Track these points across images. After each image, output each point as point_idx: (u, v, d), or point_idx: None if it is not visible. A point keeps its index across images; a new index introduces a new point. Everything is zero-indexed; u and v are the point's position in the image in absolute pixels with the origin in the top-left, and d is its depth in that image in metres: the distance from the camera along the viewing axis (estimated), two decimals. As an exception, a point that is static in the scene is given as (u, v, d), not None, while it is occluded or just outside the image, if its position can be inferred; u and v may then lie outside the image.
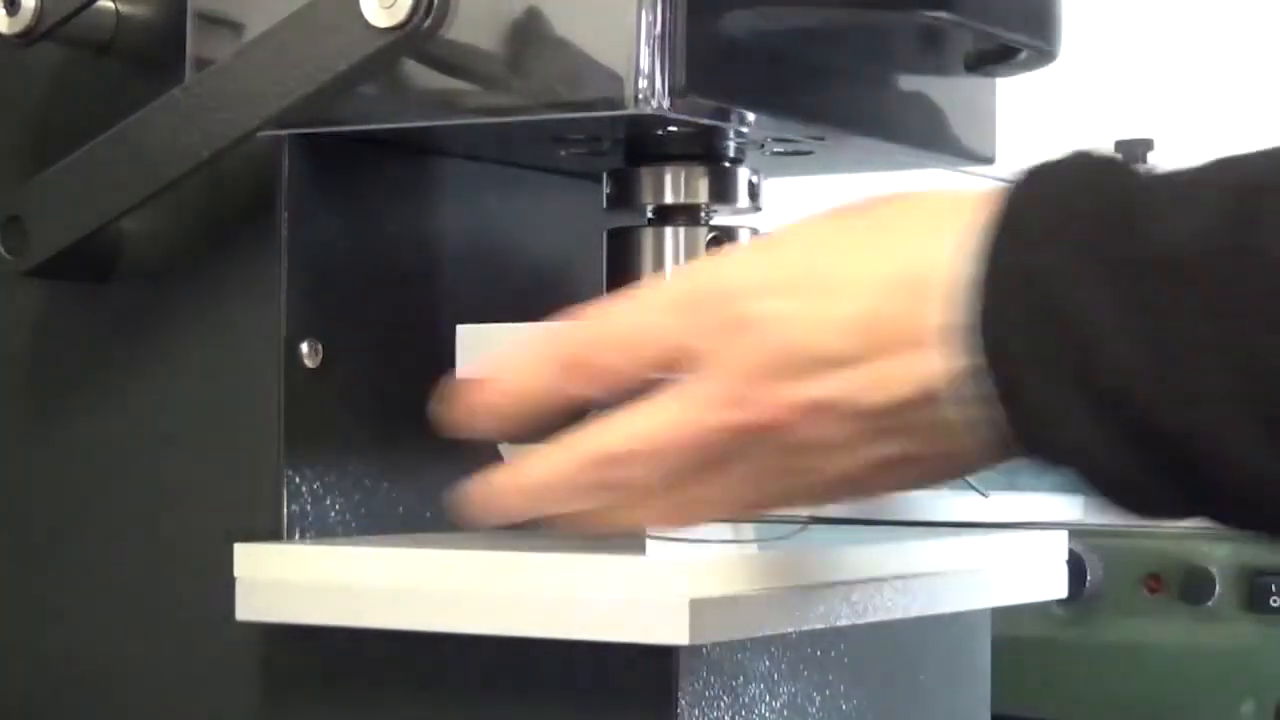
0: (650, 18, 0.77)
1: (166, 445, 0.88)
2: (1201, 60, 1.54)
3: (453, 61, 0.80)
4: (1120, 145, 1.36)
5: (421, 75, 0.80)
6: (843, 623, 0.83)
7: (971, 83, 0.92)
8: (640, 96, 0.77)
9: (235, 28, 0.84)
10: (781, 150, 0.90)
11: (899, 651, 0.89)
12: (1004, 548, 0.90)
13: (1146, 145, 1.36)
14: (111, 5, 0.88)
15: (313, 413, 0.86)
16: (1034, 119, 1.03)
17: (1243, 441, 0.48)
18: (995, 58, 0.87)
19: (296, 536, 0.85)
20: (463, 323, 0.82)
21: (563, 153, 0.90)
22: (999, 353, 0.52)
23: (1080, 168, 0.51)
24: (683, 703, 0.76)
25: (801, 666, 0.83)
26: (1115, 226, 0.49)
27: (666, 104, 0.78)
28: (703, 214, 0.89)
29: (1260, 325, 0.46)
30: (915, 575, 0.82)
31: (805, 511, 0.78)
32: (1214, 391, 0.47)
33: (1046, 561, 0.93)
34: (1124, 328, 0.49)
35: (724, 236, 0.88)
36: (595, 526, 0.67)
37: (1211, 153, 0.53)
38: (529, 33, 0.78)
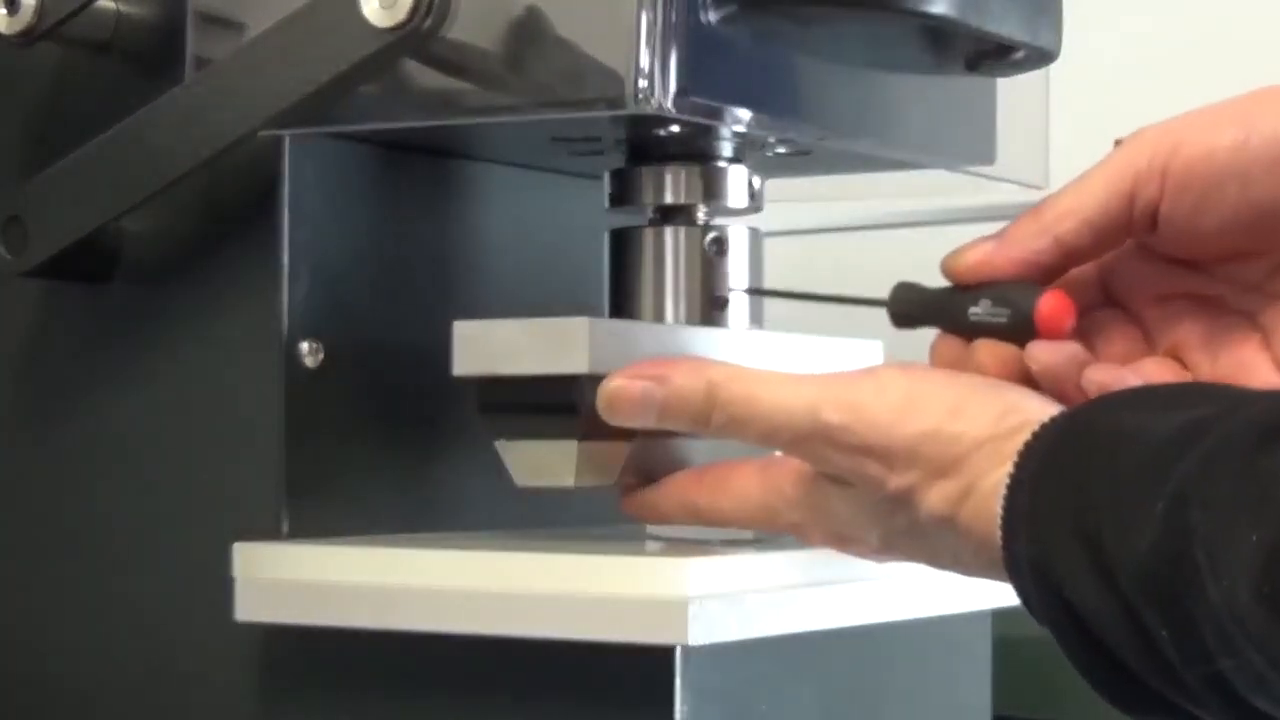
0: (650, 17, 0.77)
1: (166, 445, 0.88)
2: (1202, 60, 1.54)
3: (453, 61, 0.79)
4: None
5: (421, 75, 0.80)
6: (843, 623, 0.83)
7: (971, 83, 0.92)
8: (640, 96, 0.77)
9: (235, 28, 0.84)
10: (782, 150, 0.90)
11: (899, 651, 0.89)
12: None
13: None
14: (111, 5, 0.88)
15: (313, 413, 0.86)
16: (1034, 119, 1.03)
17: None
18: (995, 58, 0.87)
19: (297, 537, 0.85)
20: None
21: (563, 153, 0.90)
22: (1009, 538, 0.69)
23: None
24: (683, 703, 0.76)
25: (801, 666, 0.83)
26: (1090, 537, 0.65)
27: (667, 104, 0.78)
28: (703, 214, 0.89)
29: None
30: (915, 575, 0.82)
31: None
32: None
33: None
34: (1081, 578, 0.65)
35: (725, 236, 0.88)
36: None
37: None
38: (529, 32, 0.78)
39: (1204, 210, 0.73)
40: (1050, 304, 0.74)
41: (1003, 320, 0.74)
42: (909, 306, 0.78)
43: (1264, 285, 0.75)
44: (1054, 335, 0.74)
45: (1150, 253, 0.76)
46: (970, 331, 0.75)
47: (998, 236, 0.76)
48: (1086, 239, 0.75)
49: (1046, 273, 0.75)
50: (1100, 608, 0.64)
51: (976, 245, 0.76)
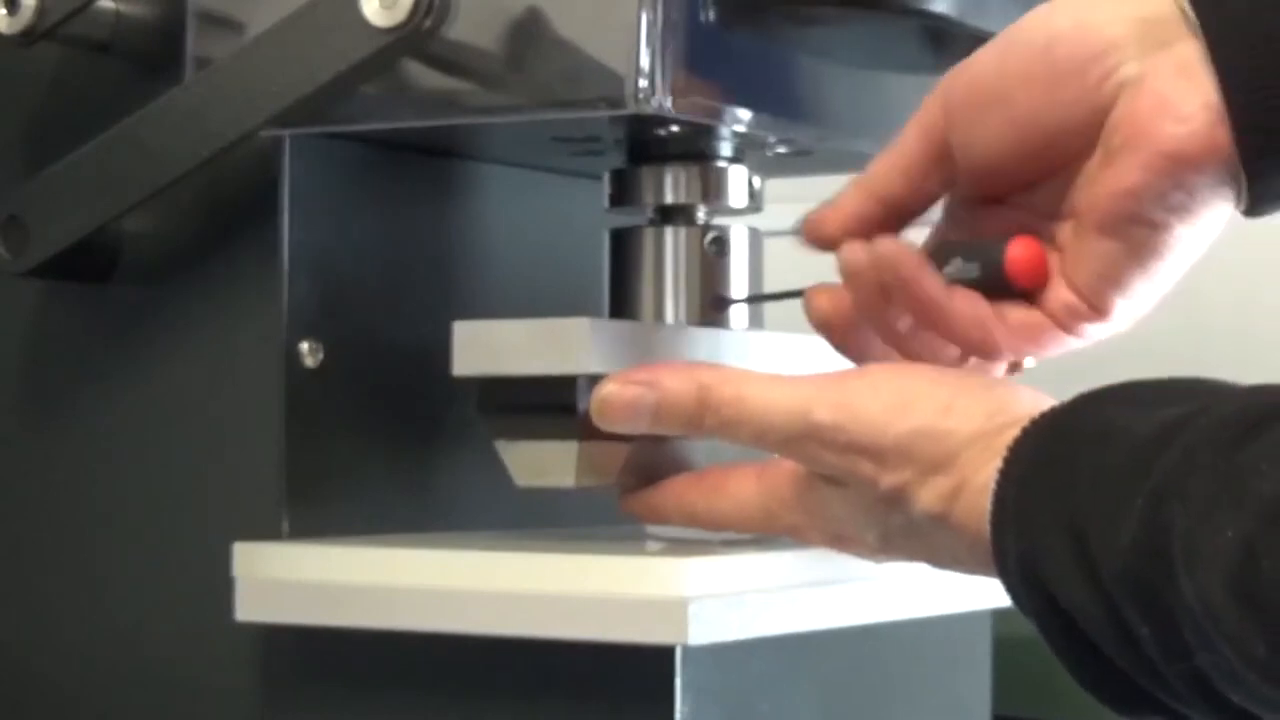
0: (650, 17, 0.77)
1: (166, 445, 0.88)
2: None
3: (453, 61, 0.80)
4: None
5: (421, 75, 0.80)
6: (843, 623, 0.83)
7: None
8: (640, 96, 0.77)
9: (235, 28, 0.84)
10: (782, 150, 0.90)
11: (899, 651, 0.89)
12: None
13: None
14: (111, 5, 0.88)
15: (313, 413, 0.86)
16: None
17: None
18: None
19: (297, 537, 0.85)
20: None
21: (563, 153, 0.90)
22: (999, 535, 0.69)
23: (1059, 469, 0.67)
24: (682, 703, 0.76)
25: (801, 666, 0.83)
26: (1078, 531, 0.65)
27: (667, 104, 0.78)
28: (703, 214, 0.89)
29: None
30: (915, 575, 0.82)
31: None
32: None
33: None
34: (1066, 573, 0.65)
35: (725, 236, 0.88)
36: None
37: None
38: (529, 32, 0.78)
39: (976, 135, 0.74)
40: (1020, 250, 0.74)
41: (974, 275, 0.74)
42: None
43: (1055, 208, 0.75)
44: (1029, 282, 0.74)
45: (963, 201, 0.78)
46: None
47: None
48: (899, 186, 0.77)
49: (874, 227, 0.77)
50: (1084, 603, 0.64)
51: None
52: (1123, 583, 0.62)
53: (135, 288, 0.89)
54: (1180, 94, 0.70)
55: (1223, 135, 0.70)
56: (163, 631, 0.88)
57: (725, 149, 0.88)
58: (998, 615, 0.93)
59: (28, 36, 0.86)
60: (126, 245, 0.89)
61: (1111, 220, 0.73)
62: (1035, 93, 0.73)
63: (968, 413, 0.71)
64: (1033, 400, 0.71)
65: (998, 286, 0.74)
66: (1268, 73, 0.69)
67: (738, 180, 0.89)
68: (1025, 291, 0.74)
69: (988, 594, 0.87)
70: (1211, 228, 0.74)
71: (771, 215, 0.93)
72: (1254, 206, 0.73)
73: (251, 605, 0.82)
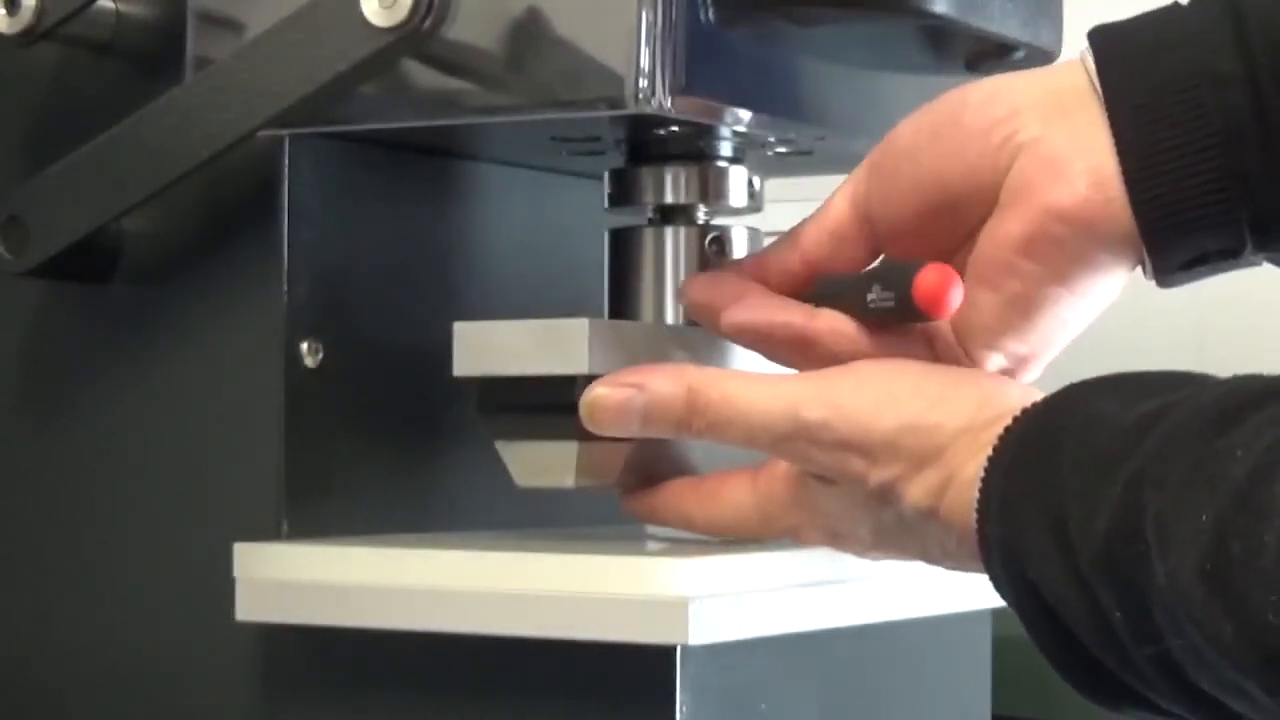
0: (650, 17, 0.77)
1: (166, 445, 0.88)
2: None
3: (453, 61, 0.80)
4: None
5: (421, 75, 0.80)
6: (843, 623, 0.83)
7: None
8: (640, 96, 0.77)
9: (235, 28, 0.84)
10: (782, 150, 0.90)
11: (899, 651, 0.89)
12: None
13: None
14: (111, 5, 0.88)
15: (313, 413, 0.86)
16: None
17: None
18: (995, 57, 0.87)
19: (296, 537, 0.85)
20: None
21: (563, 153, 0.90)
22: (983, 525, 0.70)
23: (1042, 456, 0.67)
24: (683, 703, 0.76)
25: (801, 666, 0.83)
26: (1058, 523, 0.65)
27: (667, 104, 0.78)
28: (703, 214, 0.89)
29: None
30: (915, 575, 0.82)
31: None
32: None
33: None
34: (1045, 559, 0.66)
35: (725, 236, 0.88)
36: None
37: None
38: (529, 32, 0.78)
39: (888, 194, 0.77)
40: (927, 278, 0.74)
41: (889, 300, 0.75)
42: (825, 300, 0.78)
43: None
44: (933, 308, 0.74)
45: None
46: (872, 315, 0.76)
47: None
48: (826, 248, 0.79)
49: (797, 284, 0.79)
50: (1061, 588, 0.65)
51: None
52: (1098, 566, 0.63)
53: (135, 288, 0.89)
54: (1068, 156, 0.73)
55: (1104, 202, 0.72)
56: (163, 631, 0.88)
57: (725, 149, 0.88)
58: (998, 615, 0.93)
59: (28, 36, 0.86)
60: (126, 245, 0.89)
61: (986, 269, 0.75)
62: (942, 153, 0.75)
63: (955, 406, 0.71)
64: (1021, 393, 0.71)
65: (910, 312, 0.74)
66: (1164, 146, 0.71)
67: (738, 180, 0.89)
68: (934, 317, 0.74)
69: (988, 594, 0.87)
70: (1101, 297, 0.75)
71: (771, 215, 0.93)
72: (1161, 277, 0.74)
73: (251, 605, 0.82)
